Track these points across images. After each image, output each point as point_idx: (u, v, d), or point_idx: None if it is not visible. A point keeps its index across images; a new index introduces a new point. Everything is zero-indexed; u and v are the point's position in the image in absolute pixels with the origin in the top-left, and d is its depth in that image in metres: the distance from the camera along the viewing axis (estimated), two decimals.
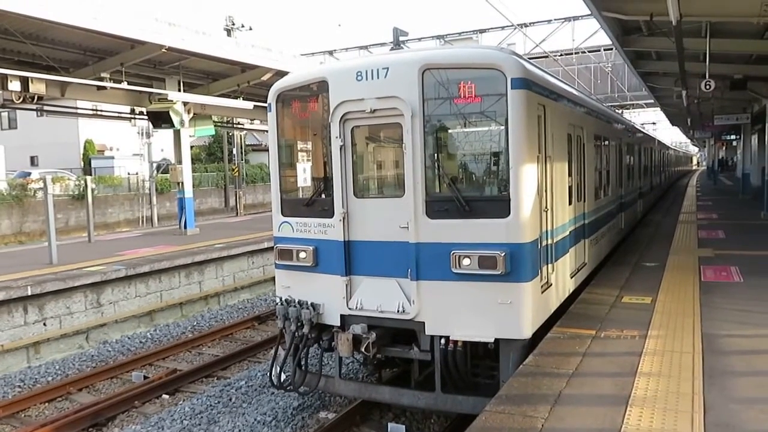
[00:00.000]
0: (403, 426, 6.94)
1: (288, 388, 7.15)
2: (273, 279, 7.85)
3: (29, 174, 30.87)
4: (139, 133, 32.53)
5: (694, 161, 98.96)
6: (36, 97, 13.84)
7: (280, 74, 14.34)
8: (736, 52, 14.68)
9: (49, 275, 11.44)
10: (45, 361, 10.46)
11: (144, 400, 8.48)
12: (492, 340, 5.94)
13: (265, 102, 7.34)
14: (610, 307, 7.53)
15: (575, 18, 27.08)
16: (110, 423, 7.91)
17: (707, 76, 13.74)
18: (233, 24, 29.97)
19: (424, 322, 6.21)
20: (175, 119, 16.55)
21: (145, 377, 9.43)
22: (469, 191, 6.26)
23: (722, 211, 19.73)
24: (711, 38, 12.20)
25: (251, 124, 28.72)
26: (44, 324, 10.88)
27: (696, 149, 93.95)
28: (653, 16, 11.08)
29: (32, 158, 42.08)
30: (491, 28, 29.12)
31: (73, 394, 8.92)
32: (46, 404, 8.62)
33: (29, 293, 10.53)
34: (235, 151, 33.47)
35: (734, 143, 42.47)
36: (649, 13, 11.16)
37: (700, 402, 4.61)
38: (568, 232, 7.65)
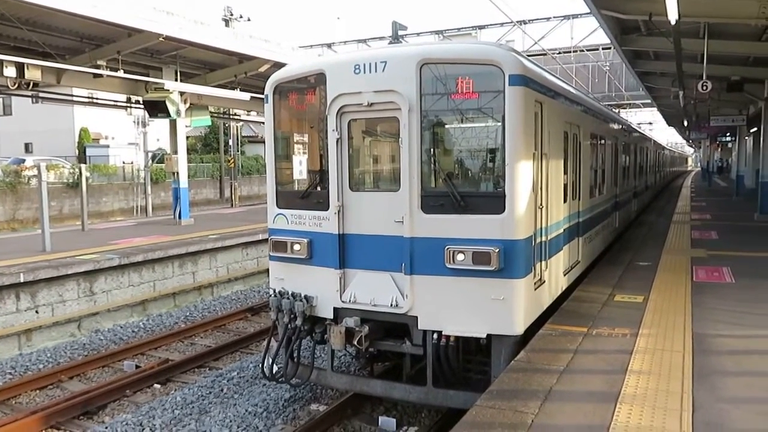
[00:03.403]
0: (394, 419, 6.97)
1: (280, 379, 7.17)
2: (267, 271, 7.85)
3: (23, 161, 30.71)
4: (134, 122, 32.31)
5: (689, 162, 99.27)
6: (31, 84, 13.76)
7: (278, 66, 14.29)
8: (734, 53, 14.74)
9: (42, 263, 11.40)
10: (36, 349, 10.44)
11: (135, 389, 8.48)
12: (484, 335, 5.96)
13: (262, 93, 7.31)
14: (602, 305, 7.56)
15: (574, 16, 27.06)
16: (101, 411, 7.90)
17: (704, 77, 13.77)
18: (231, 14, 29.77)
19: (417, 317, 6.23)
20: (172, 109, 16.47)
21: (137, 366, 9.42)
22: (464, 187, 6.27)
23: (716, 212, 19.82)
24: (709, 39, 12.25)
25: (248, 115, 28.61)
26: (36, 311, 10.84)
27: (691, 150, 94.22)
28: (652, 16, 11.10)
29: (27, 145, 41.83)
30: (490, 25, 29.09)
31: (64, 382, 8.91)
32: (37, 391, 8.61)
33: (21, 280, 10.49)
34: (231, 142, 33.36)
35: (729, 145, 42.67)
36: (648, 13, 11.18)
37: (689, 400, 4.64)
38: (562, 230, 7.68)
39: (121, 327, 11.68)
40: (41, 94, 18.82)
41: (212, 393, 8.15)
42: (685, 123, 31.60)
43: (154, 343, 10.49)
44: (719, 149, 50.15)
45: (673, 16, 8.84)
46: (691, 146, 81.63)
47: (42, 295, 10.94)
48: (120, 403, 8.16)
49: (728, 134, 35.19)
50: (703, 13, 11.03)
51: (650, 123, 43.94)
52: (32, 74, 13.06)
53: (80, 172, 18.59)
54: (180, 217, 18.45)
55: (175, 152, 18.31)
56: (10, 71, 12.69)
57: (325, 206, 6.61)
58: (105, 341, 10.80)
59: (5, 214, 25.33)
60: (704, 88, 14.02)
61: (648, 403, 4.61)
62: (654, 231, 14.98)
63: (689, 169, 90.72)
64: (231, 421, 7.13)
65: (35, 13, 12.81)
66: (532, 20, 27.94)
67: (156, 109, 16.65)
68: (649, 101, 30.45)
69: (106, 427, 7.17)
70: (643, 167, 19.41)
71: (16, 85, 13.49)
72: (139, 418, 7.36)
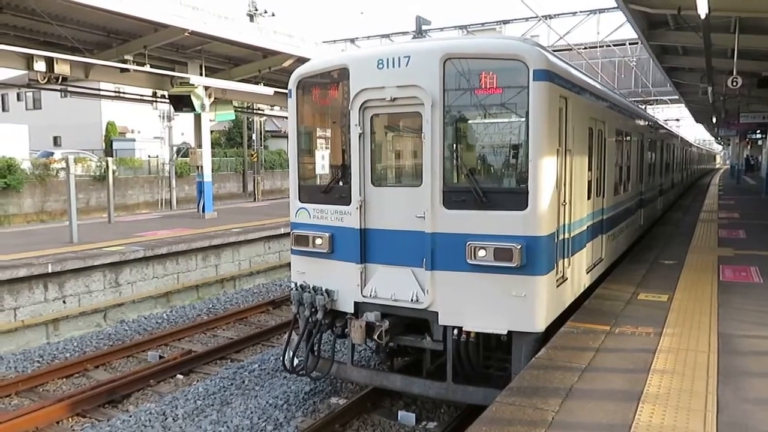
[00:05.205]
0: (414, 414, 6.98)
1: (300, 372, 7.22)
2: (288, 265, 7.91)
3: (52, 154, 31.27)
4: (160, 116, 32.72)
5: (718, 160, 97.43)
6: (60, 78, 14.01)
7: (301, 61, 14.35)
8: (765, 48, 14.38)
9: (70, 254, 11.61)
10: (63, 338, 10.65)
11: (159, 380, 8.61)
12: (505, 332, 5.93)
13: (286, 88, 7.35)
14: (625, 303, 7.47)
15: (601, 11, 26.68)
16: (125, 400, 8.05)
17: (734, 73, 13.47)
18: (256, 9, 30.00)
19: (437, 312, 6.22)
20: (196, 103, 16.64)
21: (161, 357, 9.57)
22: (487, 183, 6.24)
23: (744, 210, 19.41)
24: (740, 34, 11.96)
25: (271, 110, 28.80)
26: (63, 301, 11.06)
27: (719, 147, 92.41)
28: (681, 10, 10.90)
29: (55, 138, 42.65)
30: (515, 19, 28.79)
31: (90, 371, 9.08)
32: (64, 380, 8.79)
33: (50, 271, 10.71)
34: (254, 137, 33.60)
35: (759, 142, 41.75)
36: (676, 7, 10.97)
37: (714, 401, 4.57)
38: (585, 227, 7.60)
39: (146, 318, 11.86)
40: (70, 89, 19.15)
41: (234, 384, 8.24)
42: (714, 120, 31.00)
43: (178, 335, 10.64)
44: (749, 147, 49.08)
45: (703, 10, 8.66)
46: (719, 143, 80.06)
47: (69, 285, 11.15)
48: (144, 392, 8.29)
49: (758, 131, 34.43)
50: (734, 8, 10.79)
51: (677, 119, 43.21)
52: (61, 68, 13.29)
53: (107, 166, 18.87)
54: (204, 211, 18.63)
55: (200, 146, 18.49)
56: (40, 66, 12.95)
57: (347, 201, 6.63)
58: (130, 332, 10.98)
59: (34, 205, 25.86)
60: (734, 84, 13.72)
61: (671, 402, 4.55)
62: (680, 229, 14.73)
63: (717, 166, 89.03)
64: (252, 413, 7.21)
65: (64, 8, 13.03)
66: (558, 15, 27.64)
67: (181, 103, 16.83)
68: (676, 97, 29.90)
69: (130, 416, 7.30)
70: (669, 164, 19.10)
71: (46, 80, 13.77)
72: (162, 407, 7.48)
